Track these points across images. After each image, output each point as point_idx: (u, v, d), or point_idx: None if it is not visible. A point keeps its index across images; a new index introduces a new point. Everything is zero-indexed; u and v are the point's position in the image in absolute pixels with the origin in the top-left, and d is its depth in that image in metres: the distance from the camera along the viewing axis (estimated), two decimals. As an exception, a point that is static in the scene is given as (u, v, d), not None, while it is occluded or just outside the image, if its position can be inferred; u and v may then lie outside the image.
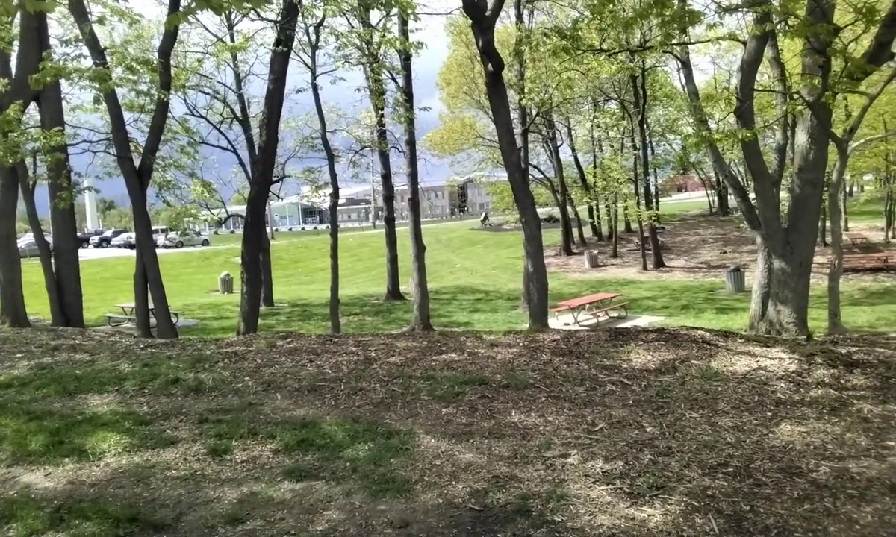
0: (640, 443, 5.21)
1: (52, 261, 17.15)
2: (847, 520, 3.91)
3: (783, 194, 14.32)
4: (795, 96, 11.35)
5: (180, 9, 10.25)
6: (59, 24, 17.01)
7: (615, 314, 20.14)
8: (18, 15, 12.49)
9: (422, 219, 19.95)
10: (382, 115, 19.55)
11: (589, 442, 5.29)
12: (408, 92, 19.02)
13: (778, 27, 10.92)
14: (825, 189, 12.37)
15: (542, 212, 33.71)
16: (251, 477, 4.91)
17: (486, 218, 58.62)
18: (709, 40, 12.40)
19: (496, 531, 3.88)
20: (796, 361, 7.16)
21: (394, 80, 19.63)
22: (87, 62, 13.04)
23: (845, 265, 24.57)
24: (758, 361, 7.22)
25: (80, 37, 12.74)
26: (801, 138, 11.37)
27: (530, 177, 31.19)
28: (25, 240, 30.94)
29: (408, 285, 22.28)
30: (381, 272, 28.90)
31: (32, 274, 19.11)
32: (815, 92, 10.06)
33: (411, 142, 19.88)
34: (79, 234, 25.10)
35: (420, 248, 17.42)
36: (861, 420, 5.63)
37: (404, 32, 17.78)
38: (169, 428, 5.97)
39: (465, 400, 6.48)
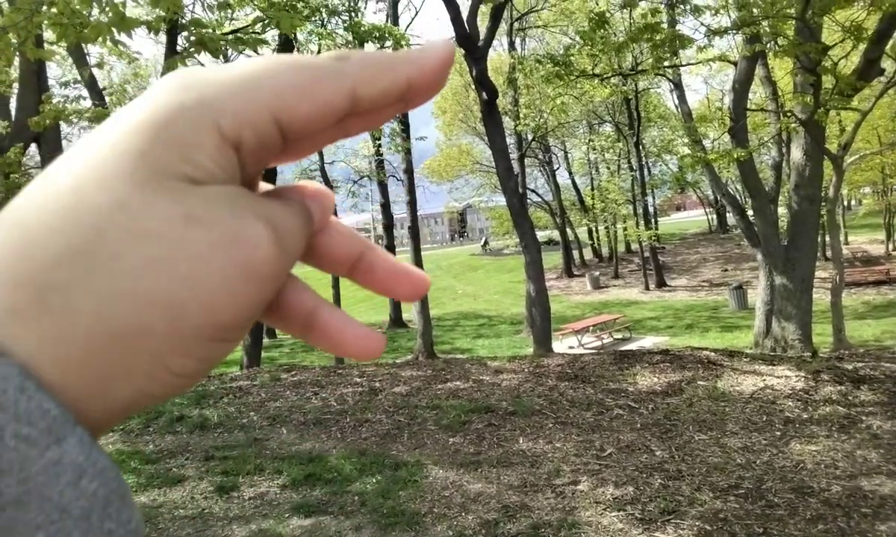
0: (649, 468, 5.18)
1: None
2: (862, 540, 3.89)
3: (781, 211, 14.37)
4: (788, 114, 11.46)
5: (178, 50, 10.40)
6: (57, 66, 17.24)
7: (619, 335, 20.09)
8: (17, 58, 12.68)
9: (422, 245, 20.02)
10: (380, 145, 19.71)
11: (598, 468, 5.26)
12: (404, 121, 19.19)
13: (767, 47, 11.06)
14: (823, 204, 12.42)
15: (541, 235, 33.82)
16: (259, 514, 4.88)
17: (486, 243, 58.74)
18: (700, 62, 12.56)
19: (508, 562, 3.86)
20: (803, 379, 7.14)
21: (390, 110, 19.81)
22: (87, 103, 13.18)
23: (848, 279, 24.57)
24: (764, 380, 7.20)
25: (80, 78, 12.89)
26: (797, 155, 11.45)
27: (529, 201, 31.33)
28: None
29: (410, 313, 22.25)
30: (383, 300, 28.90)
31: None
32: (808, 109, 10.16)
33: (409, 171, 20.00)
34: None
35: (421, 276, 17.43)
36: (871, 436, 5.61)
37: (400, 63, 17.98)
38: (175, 466, 5.94)
39: (472, 428, 6.46)
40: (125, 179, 0.22)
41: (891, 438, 5.51)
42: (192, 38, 6.40)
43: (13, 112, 15.48)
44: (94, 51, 13.43)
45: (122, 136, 0.23)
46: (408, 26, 19.37)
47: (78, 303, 0.21)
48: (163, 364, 0.23)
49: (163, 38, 11.87)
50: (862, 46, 9.63)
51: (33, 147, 16.60)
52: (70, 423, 0.21)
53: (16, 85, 14.72)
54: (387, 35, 14.44)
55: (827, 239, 18.11)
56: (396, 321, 26.89)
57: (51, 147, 16.54)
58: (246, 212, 0.24)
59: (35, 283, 0.21)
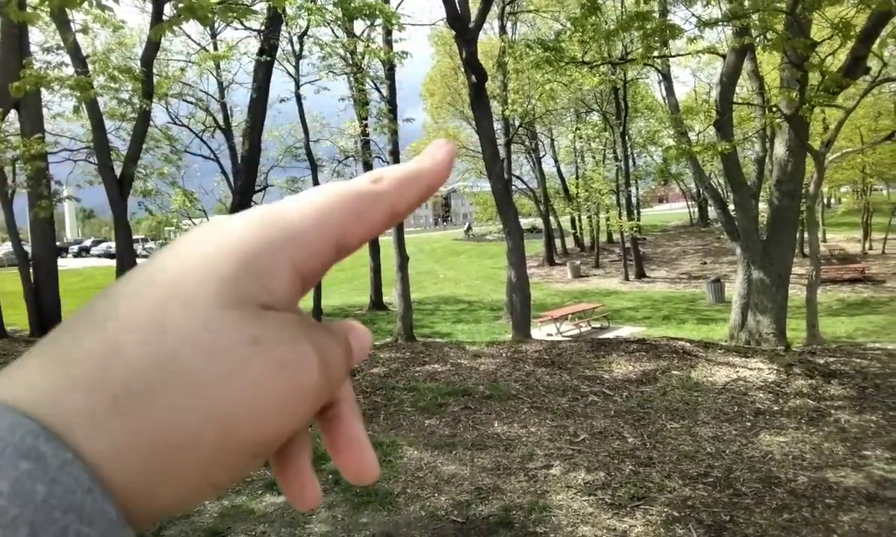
0: (621, 454, 5.24)
1: (31, 270, 16.94)
2: (825, 529, 3.97)
3: (762, 206, 14.50)
4: (774, 109, 11.52)
5: (164, 19, 10.22)
6: (40, 32, 16.85)
7: (597, 324, 20.23)
8: (-2, 22, 12.40)
9: (405, 228, 20.00)
10: (366, 125, 19.56)
11: (571, 453, 5.31)
12: (391, 102, 19.05)
13: (756, 41, 11.10)
14: (803, 201, 12.55)
15: (525, 222, 33.85)
16: (232, 489, 4.87)
17: (469, 228, 58.74)
18: (689, 53, 12.56)
19: (479, 543, 3.89)
20: (775, 372, 7.25)
21: (378, 90, 19.67)
22: (69, 70, 12.93)
23: (824, 276, 24.91)
24: (737, 372, 7.30)
25: (62, 44, 12.63)
26: (780, 151, 11.54)
27: (513, 187, 31.33)
28: (3, 249, 30.50)
29: (391, 295, 22.25)
30: (364, 282, 28.83)
31: (10, 283, 18.87)
32: (793, 105, 10.22)
33: (395, 153, 19.89)
34: (58, 243, 24.80)
35: (403, 258, 17.40)
36: (838, 429, 5.71)
37: (388, 42, 17.83)
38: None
39: (448, 411, 6.49)
40: (208, 304, 0.25)
41: (857, 432, 5.61)
42: (181, 6, 6.27)
43: (-8, 76, 15.15)
44: (78, 17, 13.14)
45: (209, 262, 0.25)
46: (399, 5, 19.16)
47: (149, 414, 0.23)
48: (205, 474, 0.24)
49: (149, 7, 11.67)
50: (849, 44, 9.70)
51: (13, 113, 16.29)
52: (122, 526, 0.22)
53: (-5, 48, 14.40)
54: (377, 13, 14.29)
55: (806, 235, 18.33)
56: (377, 303, 26.83)
57: (31, 113, 16.25)
58: (303, 340, 0.26)
59: (112, 391, 0.23)
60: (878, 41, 9.81)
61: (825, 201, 45.48)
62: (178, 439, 0.23)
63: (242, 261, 0.25)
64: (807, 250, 17.03)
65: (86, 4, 5.15)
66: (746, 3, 9.44)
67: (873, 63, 10.77)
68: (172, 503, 0.24)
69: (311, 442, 0.32)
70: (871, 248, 33.95)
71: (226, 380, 0.24)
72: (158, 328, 0.24)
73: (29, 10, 9.66)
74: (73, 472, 0.21)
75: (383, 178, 0.30)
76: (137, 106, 13.47)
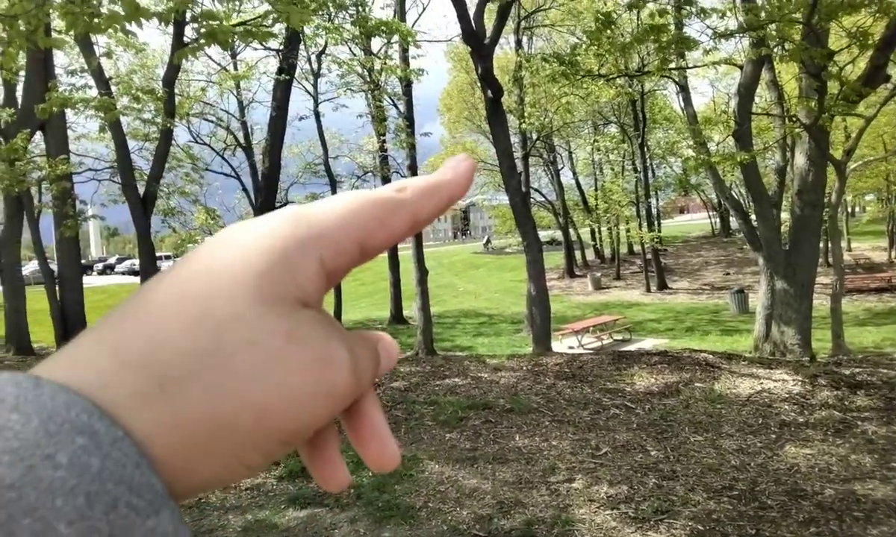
0: (644, 467, 5.21)
1: (57, 288, 17.23)
2: (853, 543, 3.91)
3: (784, 215, 14.36)
4: (793, 119, 11.44)
5: (185, 41, 10.42)
6: (64, 55, 17.26)
7: (619, 337, 20.09)
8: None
9: (424, 242, 20.05)
10: (384, 141, 19.71)
11: (593, 467, 5.28)
12: (409, 117, 19.18)
13: (773, 52, 11.05)
14: (825, 210, 12.41)
15: (544, 235, 33.79)
16: (255, 504, 4.91)
17: (488, 241, 58.71)
18: (705, 65, 12.53)
19: (501, 557, 3.88)
20: (800, 383, 7.16)
21: (395, 106, 19.82)
22: (93, 91, 13.21)
23: (850, 286, 24.55)
24: (762, 383, 7.22)
25: (86, 67, 12.92)
26: (800, 160, 11.44)
27: (532, 200, 31.31)
28: (30, 267, 31.07)
29: (411, 309, 22.29)
30: (384, 296, 28.91)
31: (37, 301, 19.21)
32: (812, 114, 10.15)
33: (413, 167, 19.99)
34: (83, 261, 25.20)
35: (423, 272, 17.44)
36: (866, 441, 5.62)
37: (405, 59, 17.99)
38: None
39: (469, 425, 6.49)
40: (246, 296, 0.27)
41: (885, 443, 5.52)
42: (203, 30, 6.40)
43: (19, 99, 15.53)
44: (101, 40, 13.44)
45: (247, 257, 0.27)
46: (415, 22, 19.36)
47: (191, 397, 0.25)
48: (239, 456, 0.26)
49: (170, 29, 11.90)
50: (868, 52, 9.62)
51: (38, 134, 16.66)
52: (166, 497, 0.24)
53: (22, 72, 14.76)
54: (394, 30, 14.45)
55: (829, 245, 18.10)
56: (397, 317, 26.88)
57: (56, 134, 16.61)
58: (336, 339, 0.29)
59: (159, 374, 0.25)
60: (898, 48, 9.72)
61: (849, 210, 44.88)
62: (218, 422, 0.25)
63: (274, 256, 0.28)
64: (831, 260, 16.80)
65: (110, 30, 5.28)
66: (762, 15, 9.41)
67: (894, 71, 10.66)
68: (208, 480, 0.27)
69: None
70: (897, 257, 33.40)
71: (262, 370, 0.26)
72: (201, 319, 0.26)
73: (55, 35, 9.91)
74: (124, 448, 0.23)
75: (407, 188, 0.32)
76: (160, 126, 13.72)
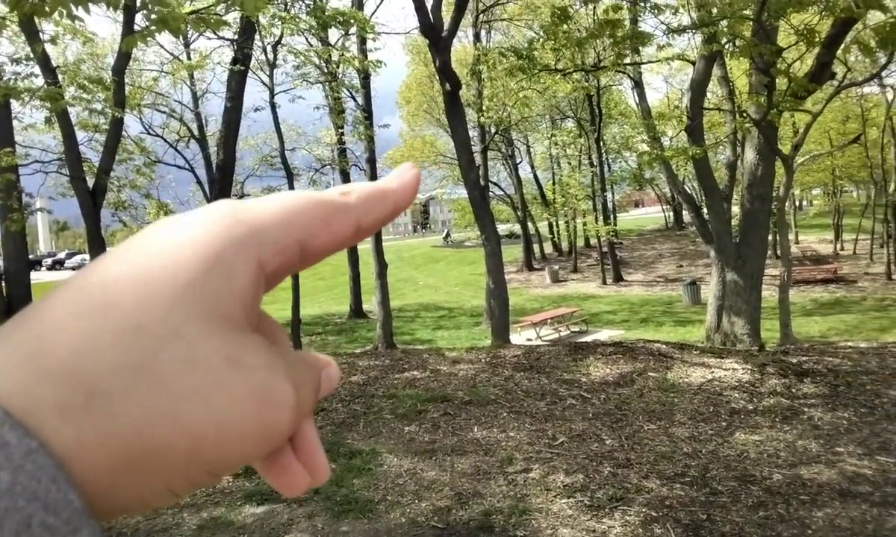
0: (599, 456, 5.29)
1: (3, 284, 16.64)
2: (800, 525, 4.04)
3: (734, 209, 14.74)
4: (743, 114, 11.73)
5: (136, 29, 10.13)
6: (10, 43, 16.62)
7: (576, 328, 20.37)
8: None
9: (384, 236, 19.98)
10: (342, 133, 19.52)
11: (550, 457, 5.35)
12: (367, 110, 19.05)
13: (725, 48, 11.30)
14: (774, 203, 12.77)
15: (503, 228, 33.97)
16: (211, 501, 4.84)
17: (448, 235, 58.80)
18: (659, 60, 12.76)
19: (459, 548, 3.90)
20: (749, 372, 7.36)
21: (353, 98, 19.65)
22: (39, 81, 12.75)
23: (797, 277, 25.32)
24: (712, 372, 7.40)
25: (32, 55, 12.47)
26: (750, 155, 11.74)
27: (491, 194, 31.44)
28: (-27, 263, 29.91)
29: (371, 303, 22.19)
30: (343, 290, 28.74)
31: (-20, 298, 18.50)
32: (762, 110, 10.42)
33: (372, 160, 19.87)
34: (31, 257, 24.39)
35: (382, 266, 17.38)
36: (812, 427, 5.82)
37: (363, 51, 17.85)
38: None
39: (428, 417, 6.50)
40: (184, 310, 0.24)
41: (830, 429, 5.72)
42: (154, 17, 6.22)
43: (-41, 88, 14.89)
44: (47, 28, 12.98)
45: (181, 262, 0.25)
46: (373, 13, 19.18)
47: (121, 413, 0.23)
48: (166, 480, 0.25)
49: (120, 17, 11.56)
50: (815, 50, 9.92)
51: (-20, 125, 16.00)
52: (86, 516, 0.22)
53: (-38, 60, 14.16)
54: (351, 20, 14.30)
55: (778, 237, 18.65)
56: (357, 312, 26.74)
57: (1, 125, 16.00)
58: (280, 372, 0.27)
59: (85, 386, 0.23)
60: (842, 47, 10.05)
61: (797, 204, 46.30)
62: (149, 443, 0.23)
63: (210, 261, 0.26)
64: (779, 252, 17.31)
65: (56, 15, 5.09)
66: (714, 11, 9.62)
67: (839, 68, 11.02)
68: (131, 503, 0.25)
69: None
70: (842, 249, 34.60)
71: (200, 395, 0.24)
72: (133, 331, 0.24)
73: (-3, 20, 9.54)
74: (38, 461, 0.21)
75: (352, 193, 0.31)
76: (109, 116, 13.34)
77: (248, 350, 0.26)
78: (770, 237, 17.77)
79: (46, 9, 4.85)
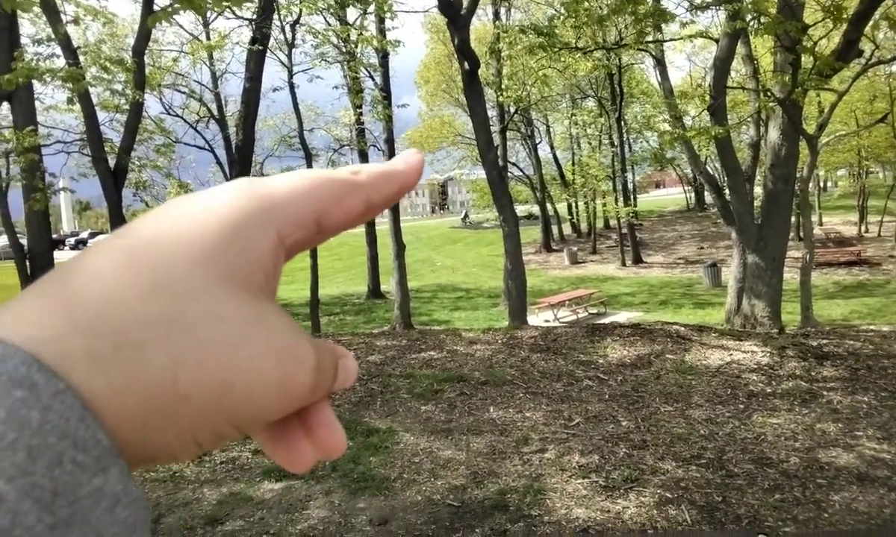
0: (615, 437, 5.29)
1: (27, 263, 16.92)
2: (816, 508, 4.02)
3: (757, 190, 14.53)
4: (767, 93, 11.52)
5: (155, 9, 10.17)
6: (31, 24, 16.75)
7: (595, 310, 20.29)
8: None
9: (402, 217, 20.00)
10: (361, 113, 19.49)
11: (565, 437, 5.36)
12: (386, 89, 18.98)
13: (749, 25, 11.09)
14: (797, 184, 12.58)
15: (521, 209, 33.80)
16: (230, 477, 4.92)
17: (466, 216, 58.67)
18: (682, 38, 12.56)
19: (474, 526, 3.94)
20: (768, 354, 7.30)
21: (371, 77, 19.59)
22: (61, 61, 12.87)
23: (820, 260, 24.97)
24: (731, 355, 7.35)
25: (53, 36, 12.58)
26: (773, 135, 11.55)
27: (509, 174, 31.29)
28: (-1, 242, 30.46)
29: (389, 284, 22.27)
30: (361, 271, 28.85)
31: (7, 277, 18.87)
32: (786, 89, 10.23)
33: (390, 141, 19.85)
34: (54, 236, 24.73)
35: (400, 247, 17.42)
36: (830, 410, 5.77)
37: (381, 30, 17.75)
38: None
39: (444, 397, 6.53)
40: (207, 273, 0.26)
41: (849, 412, 5.67)
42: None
43: (-17, 69, 15.07)
44: (69, 8, 13.06)
45: (202, 232, 0.27)
46: (391, -8, 19.04)
47: (150, 360, 0.24)
48: (193, 431, 0.25)
49: (139, -4, 11.59)
50: (842, 27, 9.69)
51: (5, 105, 16.21)
52: (115, 455, 0.23)
53: (-14, 41, 14.31)
54: (369, 0, 14.23)
55: (801, 219, 18.37)
56: (374, 292, 26.86)
57: (23, 106, 16.19)
58: (304, 339, 0.28)
59: (114, 337, 0.24)
60: (870, 24, 9.81)
61: (822, 185, 45.52)
62: (179, 391, 0.24)
63: (230, 230, 0.27)
64: (802, 234, 17.07)
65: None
66: (739, -13, 9.43)
67: (867, 46, 10.77)
68: (158, 452, 0.25)
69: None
70: (867, 231, 34.03)
71: (227, 347, 0.25)
72: (158, 288, 0.25)
73: None
74: (66, 401, 0.22)
75: (361, 172, 0.33)
76: (130, 97, 13.44)
77: (271, 314, 0.27)
78: (793, 219, 17.50)
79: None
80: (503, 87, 23.75)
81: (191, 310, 0.25)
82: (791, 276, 15.01)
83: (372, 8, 15.47)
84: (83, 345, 0.23)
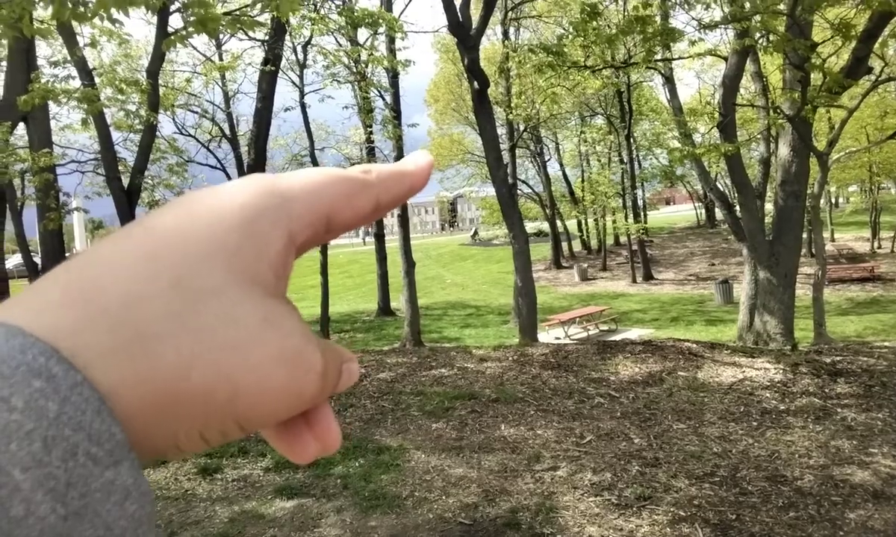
0: (627, 455, 5.27)
1: (41, 282, 17.03)
2: (831, 527, 3.98)
3: (768, 207, 14.50)
4: (777, 110, 11.54)
5: (170, 30, 10.33)
6: (47, 45, 17.07)
7: (605, 327, 20.22)
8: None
9: (412, 234, 20.05)
10: (371, 132, 19.65)
11: (577, 455, 5.34)
12: (396, 109, 19.13)
13: (758, 43, 11.13)
14: (808, 201, 12.54)
15: (531, 226, 33.83)
16: (242, 495, 4.93)
17: (475, 233, 58.76)
18: (691, 56, 12.60)
19: (486, 544, 3.93)
20: (781, 371, 7.26)
21: (382, 97, 19.76)
22: (76, 82, 13.07)
23: (833, 276, 24.81)
24: (744, 372, 7.31)
25: (69, 58, 12.79)
26: (783, 151, 11.55)
27: (519, 192, 31.39)
28: (14, 260, 30.82)
29: (398, 301, 22.30)
30: (371, 288, 28.91)
31: (20, 295, 19.02)
32: (796, 106, 10.24)
33: (400, 159, 19.98)
34: (67, 255, 24.93)
35: (410, 264, 17.46)
36: (845, 427, 5.72)
37: (392, 50, 17.93)
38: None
39: (455, 414, 6.53)
40: (222, 271, 0.26)
41: (863, 429, 5.62)
42: (192, 19, 6.36)
43: (0, 90, 15.34)
44: (85, 31, 13.31)
45: (218, 229, 0.27)
46: (401, 13, 19.30)
47: (166, 355, 0.24)
48: (200, 428, 0.26)
49: (154, 19, 11.78)
50: (851, 44, 9.71)
51: (21, 126, 16.47)
52: (127, 449, 0.23)
53: (3, 63, 14.58)
54: (380, 20, 14.39)
55: (812, 235, 18.29)
56: (384, 309, 26.89)
57: (39, 126, 16.43)
58: (312, 339, 0.29)
59: (130, 329, 0.24)
60: (879, 41, 9.82)
61: (833, 201, 45.31)
62: (191, 388, 0.25)
63: (246, 227, 0.27)
64: (814, 250, 16.99)
65: (96, 19, 5.22)
66: (747, 6, 9.47)
67: (876, 63, 10.78)
68: (166, 447, 0.26)
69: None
70: (879, 247, 33.79)
71: (239, 349, 0.25)
72: (174, 285, 0.25)
73: (37, 24, 9.80)
74: (84, 393, 0.22)
75: (372, 171, 0.33)
76: (144, 117, 13.62)
77: (282, 315, 0.28)
78: (804, 235, 17.44)
79: (87, 14, 4.98)
80: (512, 105, 23.89)
81: (209, 308, 0.25)
82: (804, 293, 14.92)
83: (383, 29, 15.65)
84: (98, 336, 0.24)
